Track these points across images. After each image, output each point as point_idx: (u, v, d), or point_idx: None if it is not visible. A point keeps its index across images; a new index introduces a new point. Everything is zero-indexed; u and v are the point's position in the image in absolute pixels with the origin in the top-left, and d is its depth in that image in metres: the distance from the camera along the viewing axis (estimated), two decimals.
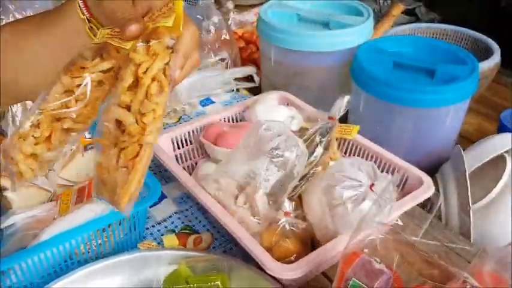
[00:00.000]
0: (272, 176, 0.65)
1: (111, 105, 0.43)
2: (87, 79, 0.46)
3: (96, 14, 0.49)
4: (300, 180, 0.69)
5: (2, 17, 0.83)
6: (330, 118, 0.76)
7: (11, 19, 0.86)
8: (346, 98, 0.75)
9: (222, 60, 1.18)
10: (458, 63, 0.92)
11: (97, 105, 0.46)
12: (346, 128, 0.82)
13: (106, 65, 0.46)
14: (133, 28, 0.44)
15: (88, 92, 0.46)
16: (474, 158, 0.84)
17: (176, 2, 0.45)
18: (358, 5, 1.12)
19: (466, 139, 1.11)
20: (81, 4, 0.49)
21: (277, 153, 0.64)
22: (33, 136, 0.47)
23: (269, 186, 0.65)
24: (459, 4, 3.16)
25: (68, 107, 0.46)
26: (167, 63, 0.44)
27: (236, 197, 0.66)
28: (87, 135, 0.79)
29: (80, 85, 0.46)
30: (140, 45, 0.44)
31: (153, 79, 0.43)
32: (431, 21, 3.34)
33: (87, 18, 0.49)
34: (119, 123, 0.44)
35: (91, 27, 0.49)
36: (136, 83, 0.43)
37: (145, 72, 0.43)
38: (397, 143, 0.91)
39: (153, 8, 0.46)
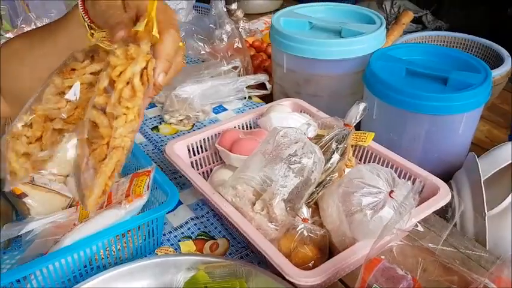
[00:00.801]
0: (289, 182, 0.65)
1: (89, 106, 0.43)
2: (77, 83, 0.46)
3: (94, 18, 0.51)
4: (316, 187, 0.70)
5: (23, 25, 0.85)
6: (346, 125, 0.77)
7: (33, 27, 0.88)
8: (362, 105, 0.76)
9: (235, 68, 1.19)
10: (471, 70, 0.93)
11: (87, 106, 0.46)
12: (361, 135, 0.82)
13: (96, 67, 0.46)
14: (121, 32, 0.44)
15: (78, 94, 0.46)
16: (488, 165, 0.85)
17: (149, 4, 0.43)
18: (370, 13, 1.13)
19: (477, 146, 1.12)
20: (81, 11, 0.51)
21: (295, 160, 0.65)
22: (25, 136, 0.47)
23: (286, 192, 0.65)
24: (466, 12, 3.17)
25: (59, 108, 0.47)
26: (145, 68, 0.44)
27: (253, 204, 0.67)
28: None
29: (70, 86, 0.46)
30: (118, 48, 0.43)
31: (128, 83, 0.43)
32: (438, 29, 3.36)
33: (88, 25, 0.51)
34: (95, 124, 0.44)
35: (92, 33, 0.51)
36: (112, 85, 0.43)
37: (119, 76, 0.43)
38: (410, 150, 0.91)
39: (140, 12, 0.46)
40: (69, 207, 0.76)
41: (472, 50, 1.22)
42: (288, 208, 0.67)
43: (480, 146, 1.15)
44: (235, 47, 1.25)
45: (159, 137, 1.05)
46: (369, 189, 0.62)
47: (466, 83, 0.88)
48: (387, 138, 0.92)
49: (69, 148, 0.78)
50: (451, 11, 3.37)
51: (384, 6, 3.47)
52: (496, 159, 0.85)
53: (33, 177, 0.77)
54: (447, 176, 0.92)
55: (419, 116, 0.89)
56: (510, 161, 0.83)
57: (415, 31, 3.31)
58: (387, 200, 0.62)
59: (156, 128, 1.09)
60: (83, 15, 0.51)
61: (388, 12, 3.46)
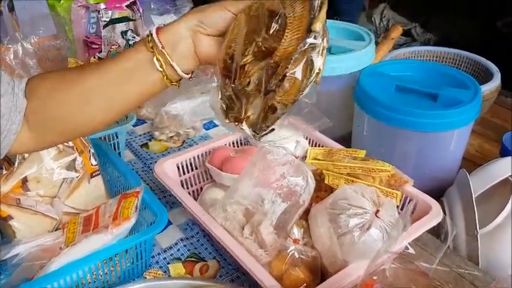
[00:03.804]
0: (277, 208, 0.64)
1: None
2: None
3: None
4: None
5: (9, 45, 0.84)
6: None
7: (19, 47, 0.87)
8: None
9: None
10: (461, 87, 0.93)
11: None
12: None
13: None
14: None
15: None
16: (479, 182, 0.84)
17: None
18: (359, 29, 1.13)
19: (468, 161, 1.12)
20: (155, 36, 0.54)
21: (282, 185, 0.64)
22: None
23: (275, 218, 0.64)
24: (455, 25, 3.21)
25: None
26: None
27: (243, 227, 0.66)
28: (94, 162, 0.79)
29: None
30: None
31: None
32: (427, 41, 3.39)
33: (158, 50, 0.54)
34: None
35: (158, 59, 0.54)
36: None
37: None
38: (401, 167, 0.90)
39: None
40: (56, 229, 0.75)
41: (461, 65, 1.23)
42: (277, 231, 0.65)
43: (471, 161, 1.15)
44: None
45: (149, 155, 1.04)
46: (355, 210, 0.62)
47: (456, 100, 0.88)
48: (378, 155, 0.91)
49: (56, 169, 0.78)
50: (440, 24, 3.41)
51: (373, 19, 3.50)
52: (488, 176, 0.85)
53: (19, 199, 0.75)
54: (439, 193, 0.92)
55: (409, 132, 0.89)
56: (501, 178, 0.83)
57: (404, 43, 3.35)
58: (374, 220, 0.62)
59: (145, 145, 1.08)
60: (156, 39, 0.54)
61: (377, 25, 3.49)
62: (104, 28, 1.16)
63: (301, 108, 0.53)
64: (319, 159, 0.84)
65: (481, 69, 1.18)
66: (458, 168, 0.98)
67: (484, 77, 1.15)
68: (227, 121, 0.53)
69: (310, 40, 0.47)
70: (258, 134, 0.52)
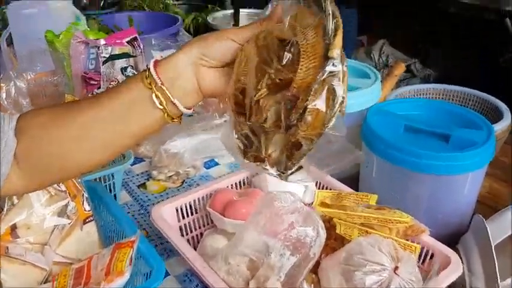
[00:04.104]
0: (286, 262, 0.59)
1: None
2: None
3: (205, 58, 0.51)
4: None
5: (2, 84, 0.81)
6: None
7: (12, 87, 0.84)
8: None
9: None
10: (472, 127, 0.89)
11: None
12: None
13: None
14: None
15: None
16: (497, 230, 0.79)
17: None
18: (364, 67, 1.11)
19: (479, 202, 1.07)
20: (153, 71, 0.50)
21: (291, 236, 0.59)
22: None
23: (283, 274, 0.59)
24: (454, 61, 3.22)
25: None
26: None
27: (247, 282, 0.60)
28: (87, 207, 0.74)
29: None
30: None
31: None
32: (427, 77, 3.41)
33: (157, 87, 0.50)
34: None
35: (157, 95, 0.50)
36: None
37: None
38: (413, 211, 0.85)
39: None
40: (46, 281, 0.69)
41: (468, 103, 1.20)
42: None
43: (483, 203, 1.10)
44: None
45: (146, 196, 0.99)
46: (372, 267, 0.57)
47: (469, 141, 0.84)
48: (388, 198, 0.87)
49: (47, 216, 0.73)
50: (439, 59, 3.43)
51: (372, 55, 3.53)
52: (506, 223, 0.80)
53: (8, 247, 0.70)
54: (452, 238, 0.87)
55: (421, 175, 0.84)
56: None
57: (404, 79, 3.36)
58: (392, 278, 0.56)
59: (143, 185, 1.03)
60: (154, 75, 0.50)
61: (377, 61, 3.52)
62: (103, 64, 1.13)
63: (331, 142, 0.49)
64: (327, 204, 0.79)
65: (489, 108, 1.15)
66: (472, 212, 0.93)
67: (494, 115, 1.12)
68: (246, 161, 0.50)
69: (329, 68, 0.44)
70: (284, 173, 0.48)
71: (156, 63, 0.51)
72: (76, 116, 0.52)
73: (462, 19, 2.76)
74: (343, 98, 0.45)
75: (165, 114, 0.51)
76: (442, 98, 1.23)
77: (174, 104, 0.51)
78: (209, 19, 1.99)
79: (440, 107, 0.99)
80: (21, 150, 0.51)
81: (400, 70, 1.49)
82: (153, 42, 1.43)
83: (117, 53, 1.16)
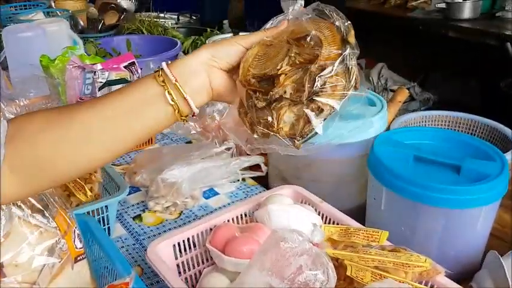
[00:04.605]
0: None
1: None
2: None
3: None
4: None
5: None
6: None
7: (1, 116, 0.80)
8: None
9: (228, 149, 1.11)
10: (484, 158, 0.86)
11: None
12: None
13: None
14: None
15: None
16: None
17: None
18: (370, 94, 1.08)
19: (490, 235, 1.03)
20: (166, 69, 0.54)
21: (299, 280, 0.54)
22: None
23: None
24: (453, 84, 3.22)
25: None
26: None
27: None
28: (79, 244, 0.69)
29: None
30: None
31: None
32: (427, 101, 3.40)
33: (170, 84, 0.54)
34: None
35: (170, 92, 0.54)
36: None
37: None
38: (425, 247, 0.81)
39: None
40: None
41: (476, 131, 1.16)
42: None
43: (493, 234, 1.06)
44: None
45: (142, 229, 0.94)
46: None
47: (482, 173, 0.80)
48: (398, 233, 0.82)
49: (36, 256, 0.68)
50: (438, 83, 3.43)
51: (370, 78, 3.52)
52: None
53: None
54: (465, 275, 0.83)
55: (432, 209, 0.80)
56: None
57: (404, 102, 3.35)
58: None
59: (138, 216, 0.99)
60: (168, 72, 0.54)
61: (375, 85, 3.51)
62: (99, 90, 1.10)
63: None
64: (334, 240, 0.75)
65: (497, 136, 1.12)
66: (484, 247, 0.89)
67: (503, 144, 1.08)
68: (255, 136, 0.58)
69: (348, 50, 0.55)
70: (298, 140, 0.57)
71: (168, 64, 0.56)
72: (78, 118, 0.52)
73: (462, 43, 2.76)
74: (356, 75, 0.58)
75: (176, 111, 0.55)
76: (448, 126, 1.20)
77: (185, 100, 0.55)
78: (208, 42, 1.97)
79: (449, 136, 0.96)
80: (15, 155, 0.50)
81: (403, 96, 1.47)
82: (151, 65, 1.40)
83: (114, 78, 1.12)
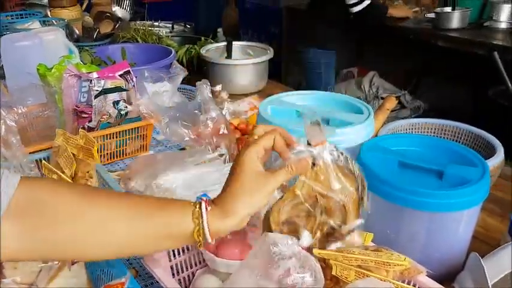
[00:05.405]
0: None
1: None
2: None
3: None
4: None
5: None
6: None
7: (2, 124, 0.83)
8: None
9: (220, 155, 1.15)
10: (467, 164, 0.89)
11: None
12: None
13: None
14: None
15: None
16: (493, 268, 0.78)
17: None
18: (357, 102, 1.12)
19: (474, 238, 1.06)
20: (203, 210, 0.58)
21: (287, 283, 0.57)
22: None
23: None
24: (444, 92, 3.27)
25: None
26: None
27: None
28: None
29: None
30: None
31: None
32: (417, 108, 3.45)
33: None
34: None
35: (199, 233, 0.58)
36: None
37: None
38: (409, 250, 0.84)
39: None
40: None
41: (461, 138, 1.20)
42: None
43: (476, 238, 1.09)
44: (220, 132, 1.21)
45: None
46: None
47: (464, 178, 0.84)
48: (384, 236, 0.85)
49: None
50: (429, 91, 3.48)
51: (362, 86, 3.58)
52: (503, 262, 0.79)
53: None
54: (448, 276, 0.86)
55: (416, 212, 0.84)
56: None
57: (394, 110, 3.40)
58: None
59: None
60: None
61: (367, 93, 3.57)
62: (95, 98, 1.13)
63: None
64: None
65: (482, 143, 1.16)
66: (467, 249, 0.92)
67: (487, 151, 1.12)
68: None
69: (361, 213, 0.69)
70: None
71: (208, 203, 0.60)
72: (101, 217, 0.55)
73: (452, 52, 2.82)
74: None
75: (198, 244, 0.59)
76: (435, 133, 1.24)
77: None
78: (202, 51, 2.01)
79: (434, 143, 1.00)
80: (31, 234, 0.52)
81: (391, 104, 1.50)
82: (146, 74, 1.43)
83: (109, 86, 1.15)
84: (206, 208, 0.58)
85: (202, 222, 0.57)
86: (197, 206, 0.58)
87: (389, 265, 0.61)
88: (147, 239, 0.57)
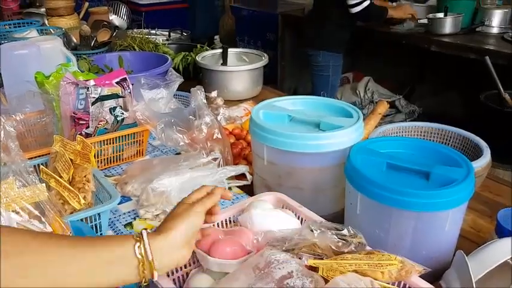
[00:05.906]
0: None
1: None
2: None
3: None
4: None
5: None
6: None
7: (1, 130, 0.85)
8: None
9: (214, 159, 1.17)
10: (453, 165, 0.92)
11: None
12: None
13: None
14: None
15: None
16: (478, 265, 0.81)
17: None
18: (347, 106, 1.14)
19: (463, 237, 1.08)
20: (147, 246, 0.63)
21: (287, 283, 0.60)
22: None
23: None
24: (438, 97, 3.31)
25: None
26: None
27: None
28: None
29: None
30: None
31: None
32: (412, 113, 3.48)
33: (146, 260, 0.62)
34: None
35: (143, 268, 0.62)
36: None
37: None
38: (398, 249, 0.87)
39: None
40: None
41: (449, 141, 1.23)
42: None
43: (466, 237, 1.12)
44: (214, 137, 1.24)
45: None
46: None
47: (449, 179, 0.87)
48: (373, 235, 0.88)
49: None
50: (424, 96, 3.52)
51: (357, 91, 3.62)
52: (486, 258, 0.81)
53: None
54: (435, 274, 0.88)
55: (403, 212, 0.86)
56: (501, 262, 0.80)
57: (389, 115, 3.44)
58: None
59: (129, 224, 1.04)
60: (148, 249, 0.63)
61: (362, 98, 3.61)
62: (92, 105, 1.16)
63: None
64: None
65: (470, 145, 1.18)
66: (454, 247, 0.95)
67: (474, 152, 1.15)
68: None
69: None
70: None
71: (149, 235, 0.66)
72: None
73: (445, 57, 2.85)
74: None
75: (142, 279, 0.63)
76: (424, 136, 1.27)
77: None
78: (198, 58, 2.04)
79: (421, 145, 1.02)
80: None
81: (383, 108, 1.53)
82: (142, 81, 1.46)
83: (106, 93, 1.18)
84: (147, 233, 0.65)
85: (143, 239, 0.63)
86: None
87: (382, 266, 0.63)
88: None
